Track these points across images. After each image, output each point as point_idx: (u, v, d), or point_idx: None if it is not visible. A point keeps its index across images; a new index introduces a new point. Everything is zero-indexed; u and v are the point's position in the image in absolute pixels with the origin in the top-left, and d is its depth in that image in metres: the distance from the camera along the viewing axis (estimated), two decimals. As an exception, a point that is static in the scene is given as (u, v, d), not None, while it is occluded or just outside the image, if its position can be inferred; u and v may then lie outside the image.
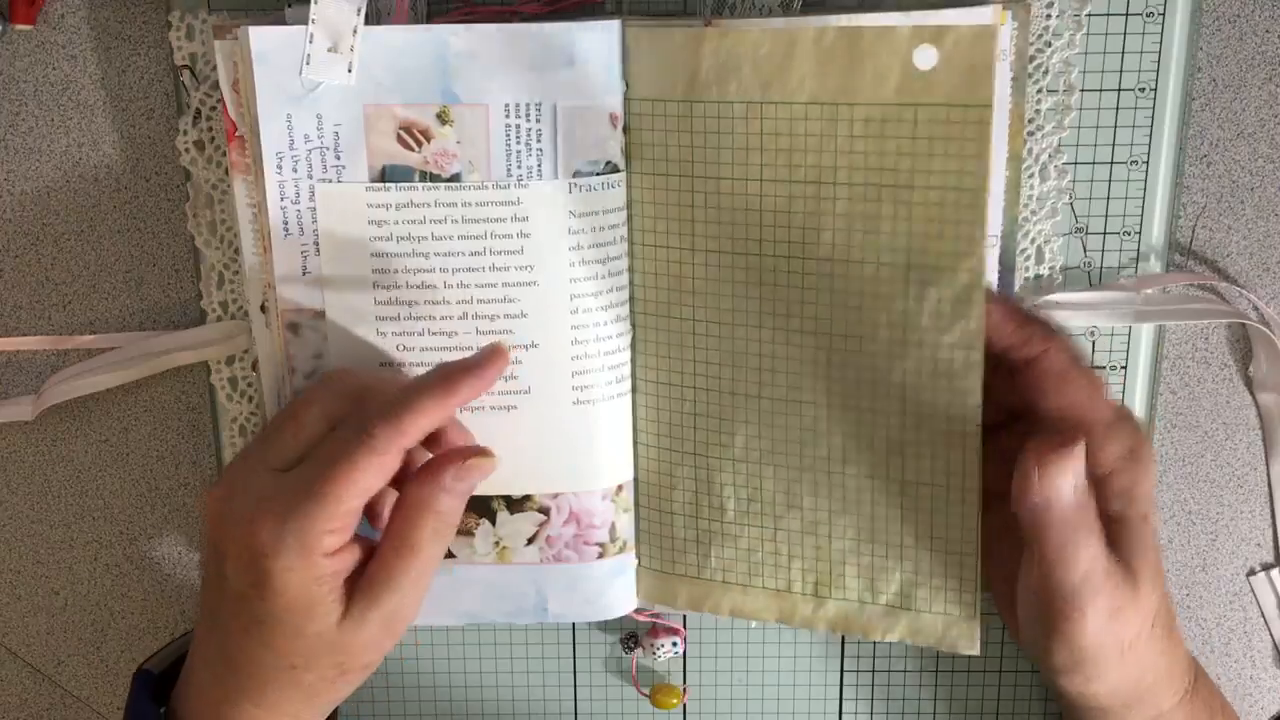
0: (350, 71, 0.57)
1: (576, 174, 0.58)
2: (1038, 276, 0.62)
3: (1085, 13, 0.59)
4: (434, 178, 0.59)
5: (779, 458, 0.60)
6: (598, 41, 0.57)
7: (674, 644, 0.67)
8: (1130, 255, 0.62)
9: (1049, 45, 0.59)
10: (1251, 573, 0.67)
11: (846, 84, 0.54)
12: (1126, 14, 0.59)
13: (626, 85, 0.58)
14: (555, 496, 0.62)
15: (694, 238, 0.59)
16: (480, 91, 0.57)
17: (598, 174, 0.58)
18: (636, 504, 0.64)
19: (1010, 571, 0.56)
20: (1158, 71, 0.60)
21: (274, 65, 0.57)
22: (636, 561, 0.64)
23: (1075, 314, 0.62)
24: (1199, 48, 0.60)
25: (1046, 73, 0.60)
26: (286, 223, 0.59)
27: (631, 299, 0.61)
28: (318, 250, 0.59)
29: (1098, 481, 0.53)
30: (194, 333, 0.64)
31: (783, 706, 0.70)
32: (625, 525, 0.63)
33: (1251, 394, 0.65)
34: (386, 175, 0.59)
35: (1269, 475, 0.66)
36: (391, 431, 0.52)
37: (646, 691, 0.69)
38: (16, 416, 0.66)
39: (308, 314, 0.60)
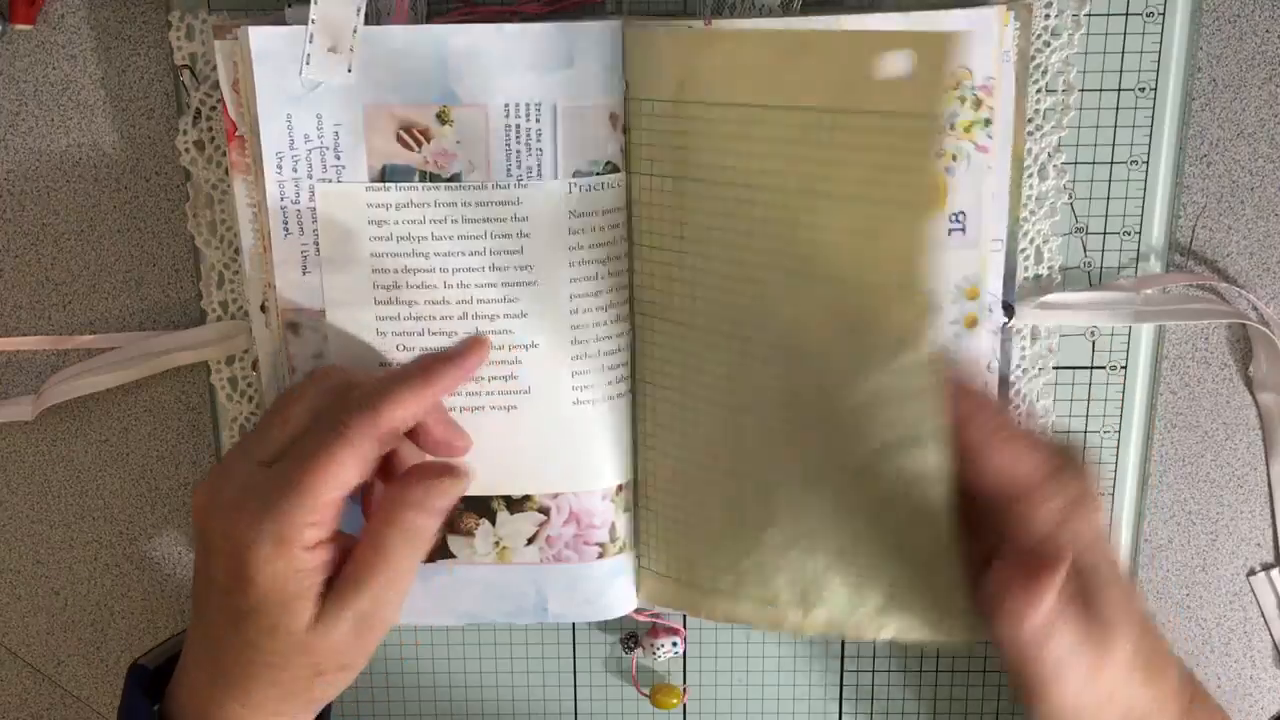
0: (350, 71, 0.57)
1: (576, 174, 0.58)
2: (1038, 276, 0.62)
3: (1085, 12, 0.59)
4: (434, 178, 0.59)
5: (757, 471, 0.60)
6: (598, 41, 0.57)
7: (674, 644, 0.67)
8: (1130, 255, 0.62)
9: (1049, 45, 0.59)
10: (1251, 573, 0.67)
11: (803, 87, 0.54)
12: (1126, 14, 0.59)
13: (626, 85, 0.58)
14: (555, 496, 0.62)
15: (684, 240, 0.59)
16: (480, 91, 0.57)
17: (598, 174, 0.58)
18: (636, 504, 0.64)
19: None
20: (1158, 71, 0.60)
21: (274, 65, 0.57)
22: (636, 562, 0.64)
23: (1075, 314, 0.62)
24: (1199, 48, 0.61)
25: (1046, 73, 0.60)
26: (286, 223, 0.59)
27: (631, 299, 0.61)
28: (318, 250, 0.59)
29: (1048, 537, 0.52)
30: (194, 333, 0.64)
31: (783, 706, 0.70)
32: (625, 525, 0.63)
33: (1251, 394, 0.65)
34: (386, 175, 0.59)
35: (1269, 475, 0.66)
36: (367, 423, 0.52)
37: (646, 691, 0.69)
38: (16, 416, 0.66)
39: (308, 314, 0.60)
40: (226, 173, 0.61)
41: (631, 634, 0.68)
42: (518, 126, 0.58)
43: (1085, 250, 0.62)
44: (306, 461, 0.52)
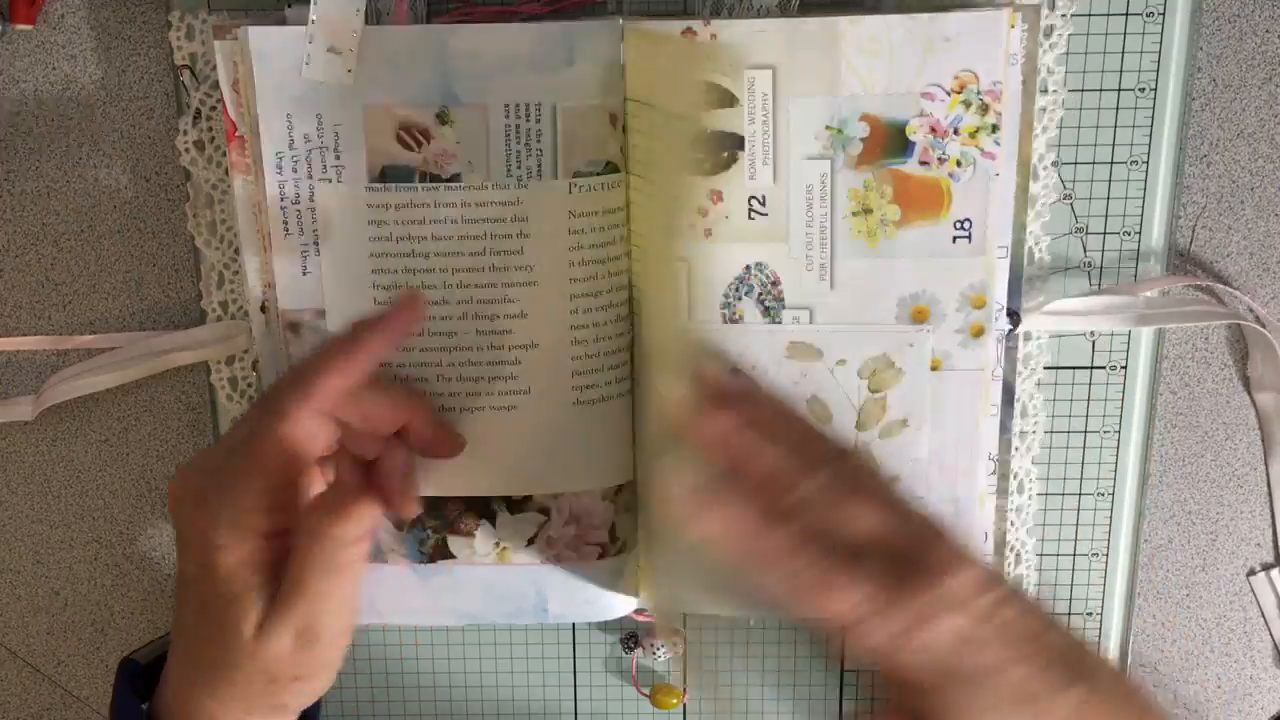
0: (350, 72, 0.57)
1: (576, 174, 0.58)
2: (1036, 277, 0.62)
3: (1084, 12, 0.59)
4: (434, 178, 0.59)
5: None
6: (598, 41, 0.57)
7: (674, 644, 0.67)
8: (1130, 255, 0.62)
9: (1048, 45, 0.59)
10: (1251, 573, 0.67)
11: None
12: (1126, 14, 0.59)
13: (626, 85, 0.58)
14: (555, 497, 0.62)
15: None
16: (480, 91, 0.57)
17: (598, 174, 0.58)
18: (636, 504, 0.64)
19: None
20: (1158, 71, 0.60)
21: (274, 65, 0.57)
22: (636, 562, 0.64)
23: (1075, 319, 0.62)
24: (1199, 48, 0.60)
25: (1044, 73, 0.59)
26: (286, 223, 0.59)
27: (631, 299, 0.61)
28: (318, 250, 0.59)
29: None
30: (194, 333, 0.64)
31: (782, 706, 0.70)
32: (625, 525, 0.63)
33: (1250, 394, 0.65)
34: (386, 175, 0.59)
35: (1268, 475, 0.66)
36: (298, 399, 0.52)
37: (646, 691, 0.69)
38: (16, 416, 0.66)
39: (308, 314, 0.60)
40: (226, 173, 0.61)
41: (631, 634, 0.68)
42: (518, 126, 0.58)
43: (1085, 250, 0.62)
44: (252, 445, 0.52)
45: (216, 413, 0.65)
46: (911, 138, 0.57)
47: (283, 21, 0.58)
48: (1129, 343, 0.63)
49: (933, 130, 0.57)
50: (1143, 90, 0.60)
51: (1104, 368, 0.64)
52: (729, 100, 0.57)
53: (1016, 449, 0.64)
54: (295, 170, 0.58)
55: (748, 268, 0.59)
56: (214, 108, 0.61)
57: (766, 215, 0.58)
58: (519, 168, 0.58)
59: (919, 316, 0.59)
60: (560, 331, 0.60)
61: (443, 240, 0.59)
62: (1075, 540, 0.66)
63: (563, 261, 0.59)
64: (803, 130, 0.57)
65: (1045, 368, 0.63)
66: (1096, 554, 0.66)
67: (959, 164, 0.57)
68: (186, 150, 0.61)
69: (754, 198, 0.58)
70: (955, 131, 0.57)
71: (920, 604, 0.48)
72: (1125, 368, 0.64)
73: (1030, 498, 0.65)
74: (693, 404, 0.52)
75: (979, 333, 0.59)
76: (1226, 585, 0.68)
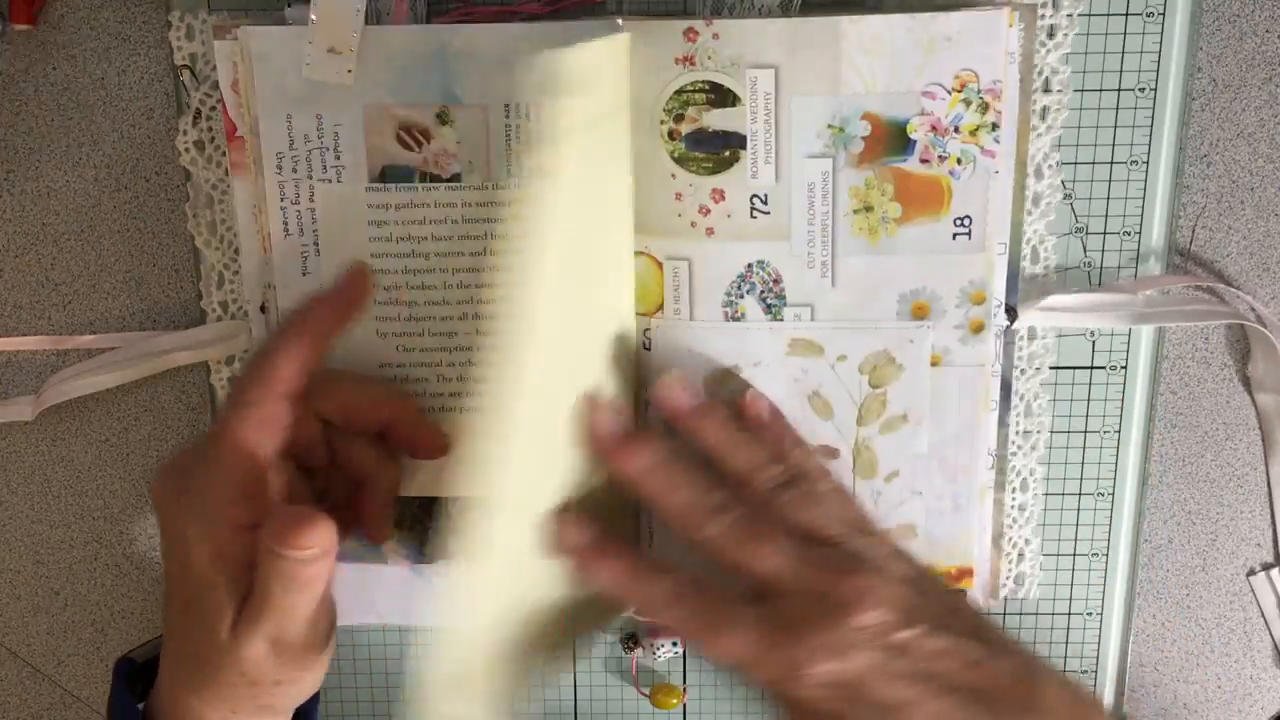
0: (350, 72, 0.57)
1: (576, 174, 0.58)
2: (1036, 277, 0.62)
3: (1084, 12, 0.59)
4: (434, 178, 0.59)
5: None
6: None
7: (674, 644, 0.67)
8: (1130, 255, 0.62)
9: (1044, 45, 0.59)
10: (1251, 573, 0.67)
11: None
12: (1126, 14, 0.59)
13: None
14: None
15: None
16: (480, 91, 0.57)
17: (598, 174, 0.58)
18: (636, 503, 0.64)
19: None
20: (1158, 71, 0.60)
21: (274, 65, 0.57)
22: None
23: (1074, 316, 0.62)
24: (1199, 48, 0.60)
25: (1043, 72, 0.59)
26: (286, 223, 0.59)
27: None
28: (318, 250, 0.59)
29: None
30: (194, 333, 0.64)
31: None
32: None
33: (1250, 394, 0.65)
34: (386, 175, 0.59)
35: (1268, 475, 0.66)
36: (255, 385, 0.52)
37: (646, 691, 0.69)
38: (16, 416, 0.66)
39: (308, 314, 0.60)
40: (226, 173, 0.61)
41: (631, 634, 0.68)
42: (518, 126, 0.58)
43: (1085, 250, 0.62)
44: (216, 434, 0.52)
45: (216, 413, 0.65)
46: (912, 136, 0.57)
47: (283, 21, 0.58)
48: (1129, 343, 0.63)
49: (933, 128, 0.57)
50: (1143, 90, 0.60)
51: (1104, 368, 0.64)
52: (730, 99, 0.57)
53: (1020, 448, 0.64)
54: (295, 170, 0.58)
55: (749, 266, 0.59)
56: (214, 108, 0.61)
57: (768, 214, 0.58)
58: (519, 168, 0.58)
59: (919, 313, 0.59)
60: (560, 332, 0.60)
61: (443, 240, 0.59)
62: (1075, 540, 0.66)
63: (563, 261, 0.59)
64: (804, 129, 0.57)
65: (1049, 367, 0.63)
66: (1096, 554, 0.66)
67: (959, 162, 0.57)
68: (186, 150, 0.61)
69: (756, 196, 0.58)
70: (956, 130, 0.57)
71: (811, 645, 0.51)
72: (1125, 368, 0.64)
73: (1036, 497, 0.65)
74: (613, 437, 0.55)
75: (978, 329, 0.60)
76: (1226, 585, 0.68)
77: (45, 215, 0.64)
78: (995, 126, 0.57)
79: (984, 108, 0.57)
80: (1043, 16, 0.59)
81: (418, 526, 0.63)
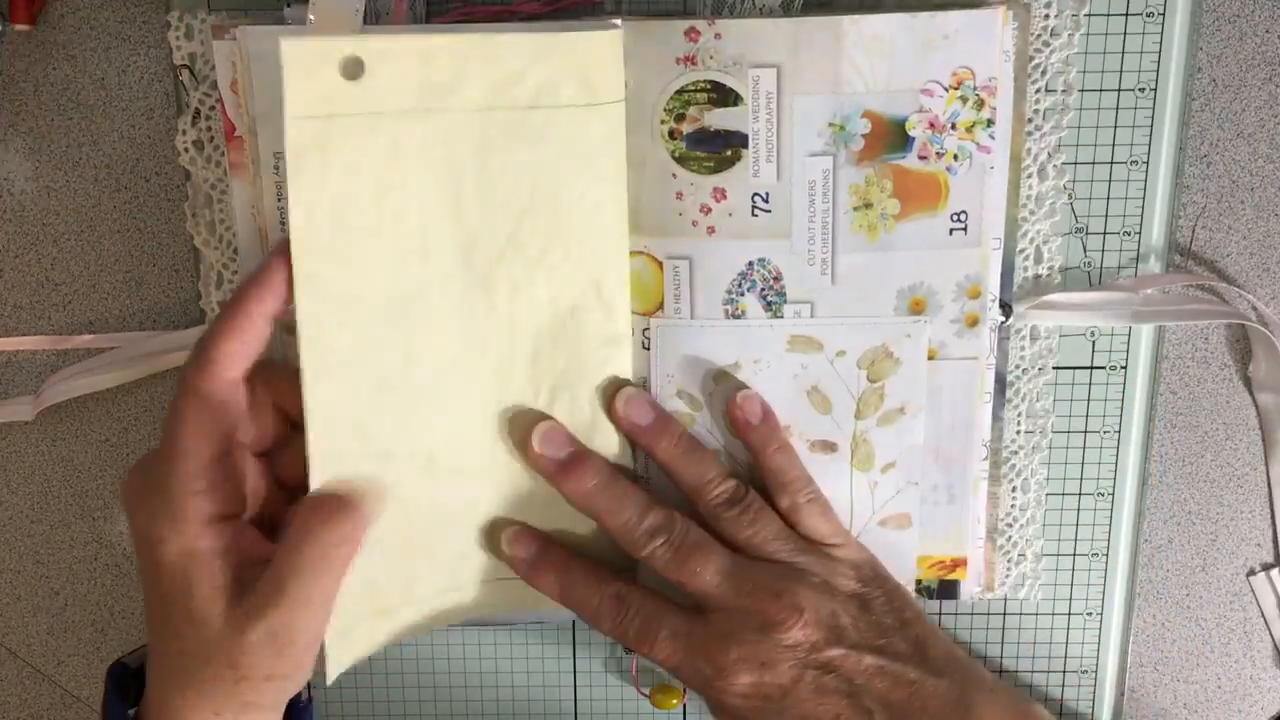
0: (349, 72, 0.57)
1: (576, 173, 0.58)
2: (1037, 277, 0.62)
3: (1084, 12, 0.59)
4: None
5: None
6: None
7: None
8: (1130, 255, 0.62)
9: (1048, 45, 0.59)
10: (1251, 573, 0.67)
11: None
12: (1126, 14, 0.59)
13: (626, 85, 0.58)
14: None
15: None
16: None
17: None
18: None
19: None
20: (1158, 71, 0.60)
21: (272, 66, 0.57)
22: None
23: (1075, 314, 0.62)
24: (1199, 48, 0.61)
25: (1046, 73, 0.60)
26: (284, 223, 0.59)
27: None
28: (317, 250, 0.59)
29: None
30: (194, 333, 0.64)
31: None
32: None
33: (1251, 394, 0.65)
34: (386, 175, 0.58)
35: (1269, 475, 0.66)
36: (198, 372, 0.51)
37: (646, 691, 0.68)
38: (16, 416, 0.66)
39: (307, 314, 0.60)
40: (225, 173, 0.61)
41: (631, 634, 0.68)
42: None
43: (1085, 250, 0.62)
44: (169, 428, 0.52)
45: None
46: (911, 133, 0.57)
47: (282, 21, 0.58)
48: (1129, 343, 0.63)
49: (931, 125, 0.57)
50: (1143, 90, 0.60)
51: (1104, 368, 0.64)
52: (732, 99, 0.57)
53: (1021, 448, 0.64)
54: (294, 170, 0.58)
55: (750, 264, 0.59)
56: (213, 108, 0.61)
57: (770, 212, 0.58)
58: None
59: (917, 308, 0.59)
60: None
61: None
62: (1075, 540, 0.66)
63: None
64: (806, 127, 0.57)
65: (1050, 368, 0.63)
66: (1096, 554, 0.66)
67: (956, 158, 0.57)
68: (186, 150, 0.61)
69: (757, 194, 0.58)
70: (953, 126, 0.57)
71: (735, 658, 0.57)
72: (1125, 368, 0.64)
73: (1039, 498, 0.65)
74: (554, 460, 0.59)
75: (974, 323, 0.60)
76: (1226, 585, 0.68)
77: (45, 215, 0.64)
78: (990, 123, 0.57)
79: (979, 104, 0.57)
80: (1045, 17, 0.59)
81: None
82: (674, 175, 0.58)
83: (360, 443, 0.55)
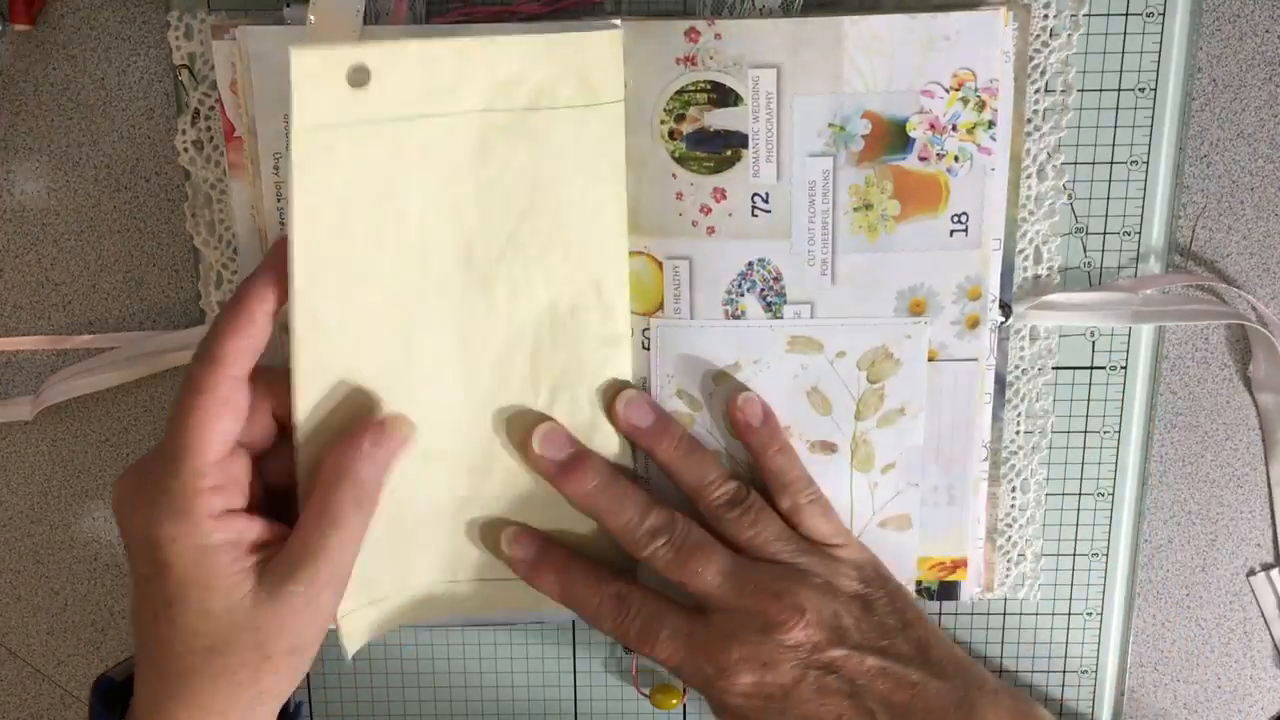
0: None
1: (576, 174, 0.58)
2: (1036, 277, 0.62)
3: (1084, 13, 0.59)
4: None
5: None
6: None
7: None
8: (1130, 255, 0.62)
9: (1048, 45, 0.59)
10: (1251, 573, 0.67)
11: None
12: (1126, 14, 0.59)
13: (626, 85, 0.58)
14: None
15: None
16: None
17: (598, 174, 0.58)
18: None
19: None
20: (1158, 71, 0.60)
21: (272, 65, 0.57)
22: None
23: (1074, 314, 0.62)
24: (1199, 48, 0.61)
25: (1045, 73, 0.60)
26: (284, 223, 0.59)
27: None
28: (317, 250, 0.59)
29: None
30: (194, 333, 0.64)
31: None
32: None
33: (1251, 394, 0.65)
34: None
35: (1269, 475, 0.66)
36: (207, 368, 0.52)
37: (646, 691, 0.68)
38: (16, 416, 0.66)
39: (306, 314, 0.60)
40: (225, 173, 0.61)
41: (631, 634, 0.68)
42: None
43: (1085, 250, 0.62)
44: (175, 426, 0.52)
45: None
46: (911, 134, 0.57)
47: (281, 21, 0.58)
48: (1129, 343, 0.63)
49: (932, 127, 0.57)
50: (1143, 90, 0.60)
51: (1104, 368, 0.64)
52: (732, 99, 0.57)
53: (1021, 448, 0.64)
54: (294, 170, 0.58)
55: (750, 264, 0.59)
56: (212, 108, 0.61)
57: (769, 212, 0.58)
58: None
59: (917, 309, 0.59)
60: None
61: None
62: (1075, 540, 0.66)
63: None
64: (806, 128, 0.57)
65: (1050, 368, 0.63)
66: (1096, 554, 0.66)
67: (956, 159, 0.57)
68: (185, 150, 0.61)
69: (757, 195, 0.58)
70: (953, 128, 0.57)
71: (736, 657, 0.57)
72: (1125, 368, 0.64)
73: (1039, 498, 0.65)
74: (554, 462, 0.60)
75: (974, 324, 0.60)
76: (1226, 585, 0.68)
77: (45, 215, 0.64)
78: (991, 124, 0.57)
79: (980, 106, 0.57)
80: (1045, 17, 0.59)
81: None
82: (674, 175, 0.58)
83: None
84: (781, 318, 0.59)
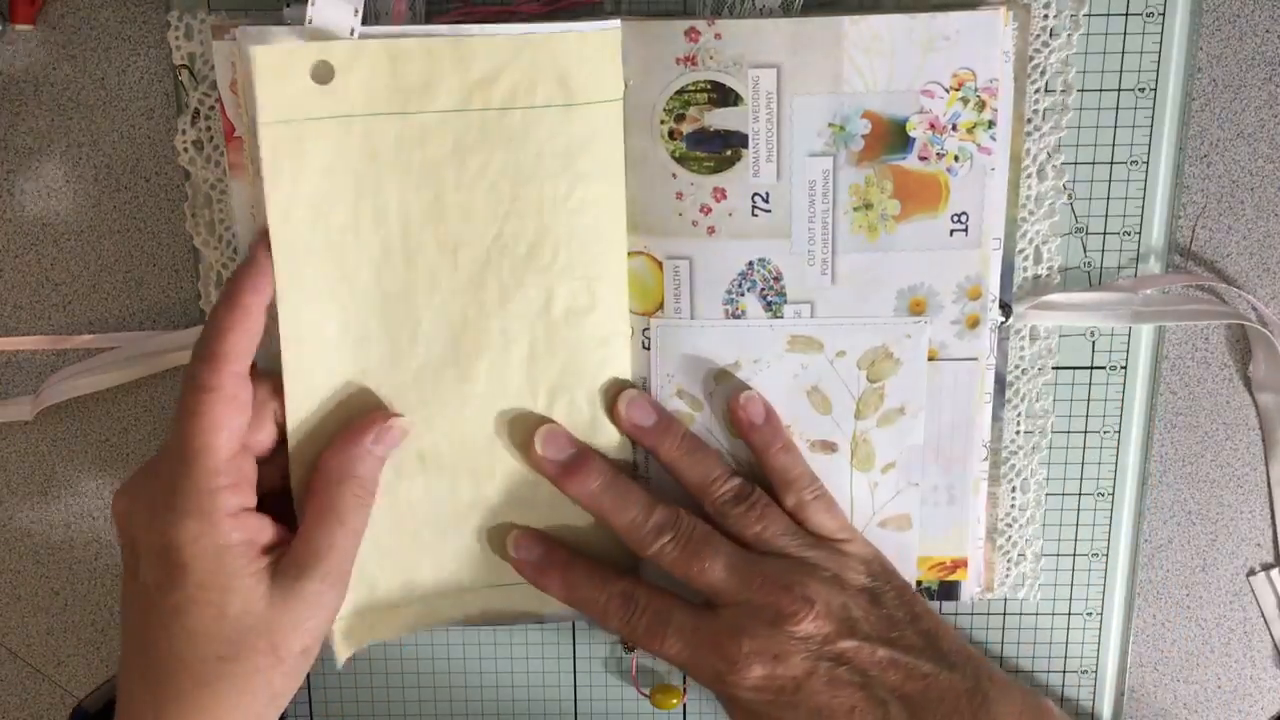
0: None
1: (576, 174, 0.58)
2: (1036, 277, 0.62)
3: (1084, 13, 0.59)
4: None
5: None
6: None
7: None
8: (1130, 255, 0.62)
9: (1047, 45, 0.59)
10: (1251, 573, 0.67)
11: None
12: (1126, 14, 0.59)
13: (626, 85, 0.58)
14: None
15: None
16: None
17: (598, 174, 0.58)
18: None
19: None
20: (1158, 71, 0.60)
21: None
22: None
23: (1074, 314, 0.62)
24: (1199, 48, 0.61)
25: (1045, 73, 0.60)
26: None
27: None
28: (316, 250, 0.59)
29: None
30: (193, 333, 0.64)
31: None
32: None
33: (1251, 394, 0.65)
34: (386, 175, 0.58)
35: (1269, 475, 0.66)
36: (206, 364, 0.52)
37: (646, 691, 0.68)
38: (16, 416, 0.65)
39: (306, 314, 0.60)
40: (225, 173, 0.61)
41: (631, 634, 0.68)
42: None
43: (1085, 250, 0.62)
44: (183, 426, 0.52)
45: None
46: (911, 134, 0.57)
47: (281, 21, 0.58)
48: (1129, 343, 0.63)
49: (932, 126, 0.57)
50: (1143, 90, 0.60)
51: (1104, 368, 0.64)
52: (732, 99, 0.57)
53: (1020, 448, 0.64)
54: (293, 170, 0.58)
55: (750, 264, 0.59)
56: (212, 108, 0.61)
57: (770, 212, 0.58)
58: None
59: (917, 308, 0.59)
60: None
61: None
62: (1075, 540, 0.66)
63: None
64: (806, 128, 0.57)
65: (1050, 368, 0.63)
66: (1096, 554, 0.66)
67: (956, 159, 0.57)
68: (185, 150, 0.61)
69: (757, 194, 0.58)
70: (953, 128, 0.57)
71: (746, 651, 0.57)
72: (1125, 368, 0.64)
73: (1039, 498, 0.65)
74: (556, 462, 0.60)
75: (974, 323, 0.60)
76: (1226, 585, 0.68)
77: (45, 215, 0.64)
78: (991, 124, 0.57)
79: (980, 105, 0.57)
80: (1045, 17, 0.59)
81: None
82: (674, 175, 0.58)
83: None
84: (781, 317, 0.59)
